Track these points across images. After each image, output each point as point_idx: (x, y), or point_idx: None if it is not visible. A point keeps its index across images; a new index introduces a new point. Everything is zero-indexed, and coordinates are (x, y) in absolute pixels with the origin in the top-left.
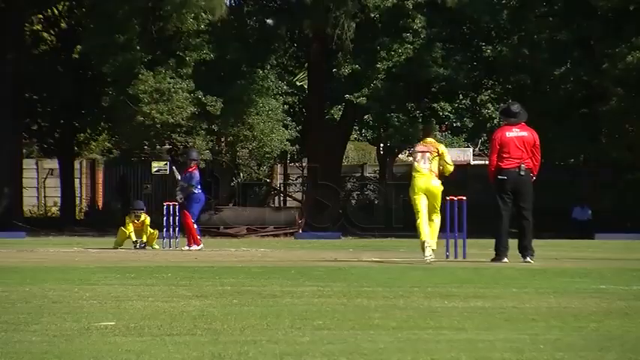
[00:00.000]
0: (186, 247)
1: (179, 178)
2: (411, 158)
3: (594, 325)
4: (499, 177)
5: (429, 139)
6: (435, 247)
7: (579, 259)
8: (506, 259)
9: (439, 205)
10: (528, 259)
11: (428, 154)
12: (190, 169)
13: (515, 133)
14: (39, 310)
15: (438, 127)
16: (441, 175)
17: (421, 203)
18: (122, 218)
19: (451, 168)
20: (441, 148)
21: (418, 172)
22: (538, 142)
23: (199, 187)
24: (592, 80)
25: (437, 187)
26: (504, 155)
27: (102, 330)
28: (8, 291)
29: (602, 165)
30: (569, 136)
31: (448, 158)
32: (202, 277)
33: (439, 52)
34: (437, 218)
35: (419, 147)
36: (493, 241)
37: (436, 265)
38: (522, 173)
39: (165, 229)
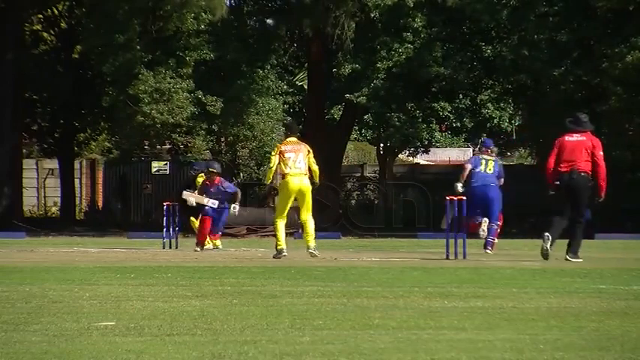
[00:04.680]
0: (212, 247)
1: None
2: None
3: (594, 325)
4: (555, 180)
5: (294, 139)
6: (314, 245)
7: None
8: (548, 253)
9: (310, 204)
10: (568, 256)
11: (301, 154)
12: (216, 181)
13: (574, 138)
14: (39, 310)
15: (438, 127)
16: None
17: (288, 206)
18: (122, 218)
19: (317, 169)
20: (308, 147)
21: (292, 172)
22: (598, 148)
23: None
24: (592, 80)
25: (309, 186)
26: (560, 159)
27: (102, 330)
28: (8, 291)
29: None
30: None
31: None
32: (202, 277)
33: (439, 51)
34: (311, 218)
35: (287, 146)
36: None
37: (436, 265)
38: (574, 176)
39: (165, 229)
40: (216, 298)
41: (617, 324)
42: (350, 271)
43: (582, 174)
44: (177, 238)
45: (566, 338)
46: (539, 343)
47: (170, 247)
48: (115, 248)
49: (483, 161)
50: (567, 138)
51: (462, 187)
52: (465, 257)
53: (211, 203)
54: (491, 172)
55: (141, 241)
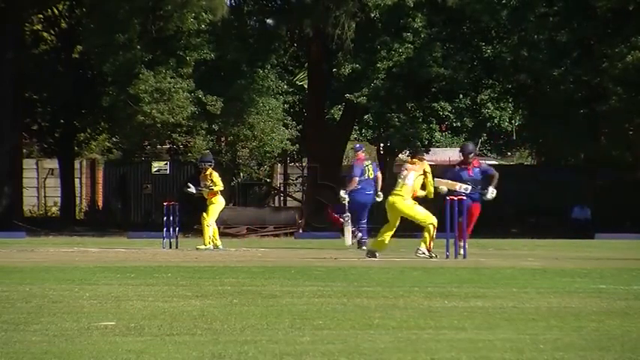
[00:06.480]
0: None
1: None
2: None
3: (594, 325)
4: None
5: (416, 160)
6: (424, 247)
7: (579, 259)
8: None
9: (415, 217)
10: None
11: (413, 172)
12: (476, 164)
13: None
14: (39, 310)
15: (438, 127)
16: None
17: (391, 219)
18: (122, 218)
19: (431, 188)
20: (425, 168)
21: (393, 190)
22: None
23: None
24: (592, 80)
25: (399, 204)
26: None
27: (102, 330)
28: (8, 291)
29: (602, 165)
30: (569, 135)
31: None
32: (202, 277)
33: (439, 51)
34: (426, 226)
35: (406, 165)
36: (493, 240)
37: (436, 265)
38: None
39: (165, 229)
40: (216, 298)
41: (617, 324)
42: (350, 271)
43: None
44: (177, 238)
45: (567, 338)
46: (540, 343)
47: (170, 247)
48: (115, 248)
49: (365, 169)
50: None
51: (347, 193)
52: (465, 257)
53: (464, 189)
54: (372, 177)
55: (141, 241)
